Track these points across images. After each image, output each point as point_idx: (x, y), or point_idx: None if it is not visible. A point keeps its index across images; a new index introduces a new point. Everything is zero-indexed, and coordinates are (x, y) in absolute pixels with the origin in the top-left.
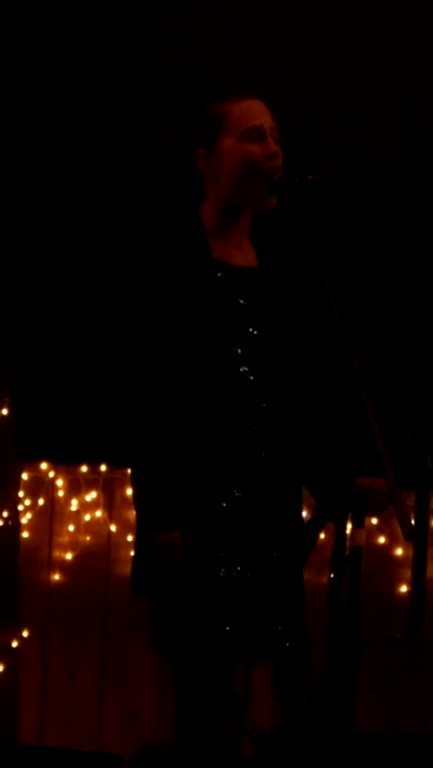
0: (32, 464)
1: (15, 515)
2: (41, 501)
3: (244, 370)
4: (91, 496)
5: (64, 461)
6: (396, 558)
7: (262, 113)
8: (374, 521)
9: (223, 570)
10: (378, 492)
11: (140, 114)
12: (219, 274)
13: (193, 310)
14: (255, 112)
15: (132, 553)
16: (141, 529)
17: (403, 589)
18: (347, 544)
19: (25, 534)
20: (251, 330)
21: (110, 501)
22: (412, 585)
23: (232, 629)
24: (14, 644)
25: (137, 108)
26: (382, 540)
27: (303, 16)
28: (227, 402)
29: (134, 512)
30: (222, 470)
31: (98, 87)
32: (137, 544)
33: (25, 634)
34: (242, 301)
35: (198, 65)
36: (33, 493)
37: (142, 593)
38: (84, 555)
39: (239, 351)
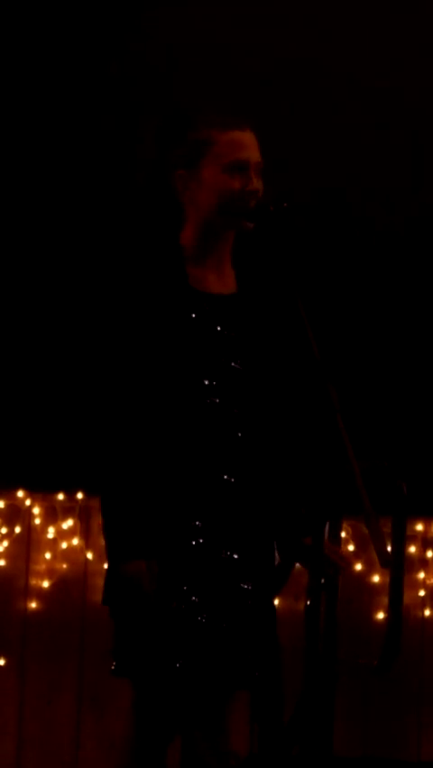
0: (8, 492)
1: None
2: (17, 529)
3: (217, 400)
4: (68, 524)
5: (40, 489)
6: (373, 585)
7: (250, 147)
8: (351, 548)
9: (185, 602)
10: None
11: (123, 122)
12: (195, 302)
13: (167, 339)
14: (243, 145)
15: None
16: (108, 558)
17: (381, 615)
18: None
19: (2, 563)
20: (225, 359)
21: (87, 529)
22: (389, 613)
23: (189, 662)
24: None
25: (120, 113)
26: (358, 567)
27: (300, 29)
28: (199, 433)
29: None
30: (191, 502)
31: (78, 92)
32: (108, 567)
33: (2, 662)
34: (217, 329)
35: (183, 72)
36: (10, 521)
37: (111, 614)
38: (61, 583)
39: (213, 381)
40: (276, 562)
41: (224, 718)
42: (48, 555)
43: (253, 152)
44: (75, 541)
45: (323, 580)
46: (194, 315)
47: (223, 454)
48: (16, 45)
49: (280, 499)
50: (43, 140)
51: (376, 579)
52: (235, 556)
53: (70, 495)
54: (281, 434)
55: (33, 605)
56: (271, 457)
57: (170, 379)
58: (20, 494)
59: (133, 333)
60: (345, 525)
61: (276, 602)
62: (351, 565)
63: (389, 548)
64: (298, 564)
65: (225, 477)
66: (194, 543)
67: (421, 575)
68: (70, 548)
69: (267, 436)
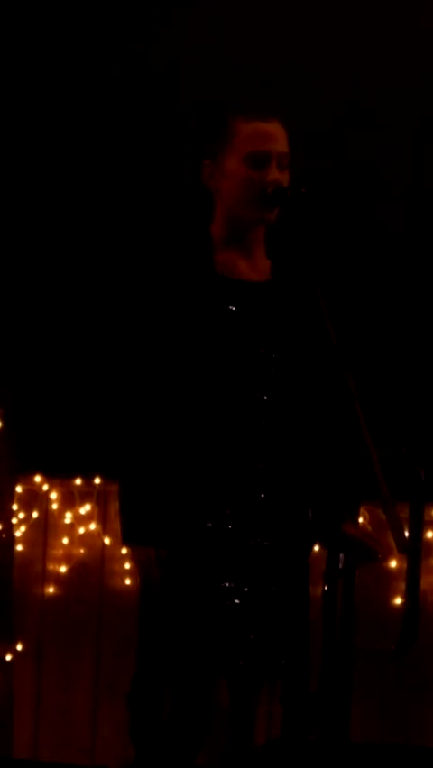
0: (25, 477)
1: (9, 528)
2: (35, 514)
3: (244, 386)
4: (85, 509)
5: (58, 474)
6: (390, 571)
7: (272, 137)
8: None
9: (216, 589)
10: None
11: (158, 119)
12: (222, 289)
13: (190, 325)
14: (265, 136)
15: (126, 566)
16: (122, 539)
17: (398, 601)
18: (341, 557)
19: (19, 548)
20: (254, 345)
21: (104, 514)
22: (406, 599)
23: (216, 649)
24: (8, 658)
25: (155, 107)
26: None
27: (306, 29)
28: (226, 419)
29: None
30: (220, 489)
31: (111, 88)
32: None
33: (19, 647)
34: (246, 315)
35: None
36: (27, 506)
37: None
38: (78, 568)
39: (241, 367)
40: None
41: (251, 706)
42: (65, 540)
43: (274, 143)
44: (92, 526)
45: (341, 566)
46: (220, 302)
47: (252, 441)
48: (32, 46)
49: (313, 486)
50: (77, 130)
51: (393, 564)
52: (266, 543)
53: (88, 480)
54: (311, 420)
55: (51, 590)
56: (300, 443)
57: (193, 366)
58: (37, 479)
59: (157, 318)
60: (362, 510)
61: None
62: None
63: (406, 534)
64: (315, 548)
65: (255, 464)
66: (225, 529)
67: None
68: (88, 533)
69: (296, 423)
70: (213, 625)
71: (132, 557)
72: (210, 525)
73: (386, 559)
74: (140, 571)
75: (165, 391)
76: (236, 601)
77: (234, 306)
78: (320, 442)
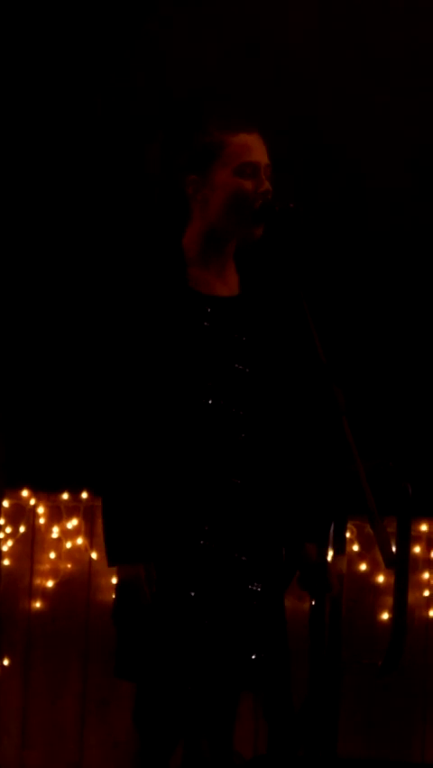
0: (12, 491)
1: None
2: (22, 528)
3: (220, 402)
4: (72, 523)
5: (45, 489)
6: (378, 585)
7: (259, 149)
8: (356, 548)
9: (193, 606)
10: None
11: (129, 127)
12: (196, 304)
13: (168, 341)
14: (252, 147)
15: (113, 580)
16: (108, 561)
17: (385, 616)
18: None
19: (6, 562)
20: (228, 361)
21: (91, 529)
22: (393, 613)
23: (193, 665)
24: None
25: (126, 121)
26: (363, 567)
27: (301, 36)
28: (202, 435)
29: None
30: (194, 505)
31: (84, 98)
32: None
33: (6, 662)
34: (220, 331)
35: (191, 78)
36: (14, 520)
37: (114, 620)
38: (65, 583)
39: (216, 383)
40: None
41: (229, 720)
42: (52, 555)
43: (261, 155)
44: (79, 540)
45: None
46: (195, 317)
47: (228, 457)
48: (31, 47)
49: (284, 502)
50: (47, 141)
51: (381, 579)
52: (244, 558)
53: (75, 494)
54: (287, 435)
55: (38, 605)
56: (276, 459)
57: (172, 381)
58: (24, 493)
59: (134, 335)
60: (349, 525)
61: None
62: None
63: (394, 548)
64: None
65: (232, 479)
66: (202, 545)
67: (426, 575)
68: (75, 548)
69: (272, 438)
70: (190, 639)
71: (118, 575)
72: (188, 540)
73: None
74: (127, 588)
75: (143, 408)
76: (213, 617)
77: (208, 321)
78: (296, 457)
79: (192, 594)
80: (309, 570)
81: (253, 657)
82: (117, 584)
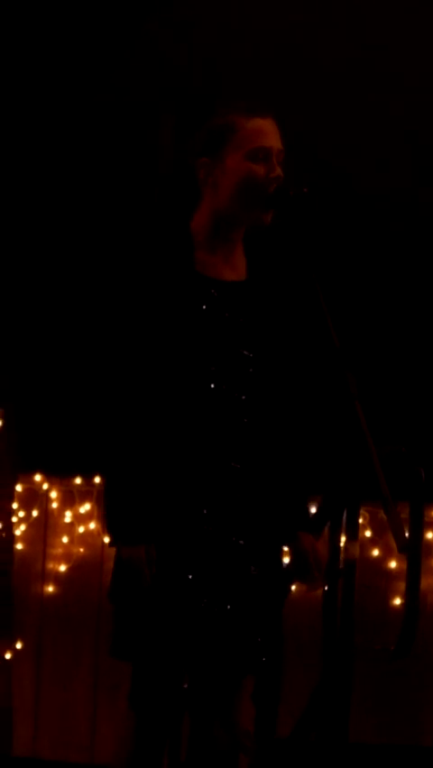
0: (26, 476)
1: (9, 526)
2: (35, 513)
3: (223, 387)
4: (85, 508)
5: (58, 473)
6: (390, 571)
7: (272, 134)
8: (368, 533)
9: (191, 588)
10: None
11: (138, 113)
12: (202, 288)
13: (173, 324)
14: (265, 132)
15: None
16: (109, 542)
17: (397, 601)
18: (341, 556)
19: (19, 546)
20: (233, 345)
21: (104, 513)
22: (406, 598)
23: (191, 647)
24: (8, 656)
25: (136, 106)
26: (376, 552)
27: (308, 32)
28: (204, 419)
29: None
30: (194, 489)
31: (93, 85)
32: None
33: (19, 645)
34: (225, 315)
35: (200, 62)
36: (27, 505)
37: (111, 600)
38: (78, 567)
39: (220, 367)
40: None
41: (234, 701)
42: (65, 539)
43: (274, 140)
44: (92, 525)
45: (340, 567)
46: (200, 301)
47: (229, 441)
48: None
49: (282, 488)
50: (59, 127)
51: (393, 564)
52: (242, 542)
53: (88, 479)
54: (290, 421)
55: (50, 588)
56: (276, 445)
57: (175, 365)
58: (37, 478)
59: (138, 318)
60: (362, 510)
61: (293, 588)
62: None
63: (406, 534)
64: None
65: (232, 463)
66: (201, 529)
67: None
68: (87, 532)
69: (274, 423)
70: (187, 621)
71: (118, 555)
72: (187, 523)
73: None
74: (127, 569)
75: (145, 391)
76: (210, 599)
77: (212, 305)
78: (294, 442)
79: (190, 577)
80: (298, 560)
81: (254, 641)
82: (115, 564)
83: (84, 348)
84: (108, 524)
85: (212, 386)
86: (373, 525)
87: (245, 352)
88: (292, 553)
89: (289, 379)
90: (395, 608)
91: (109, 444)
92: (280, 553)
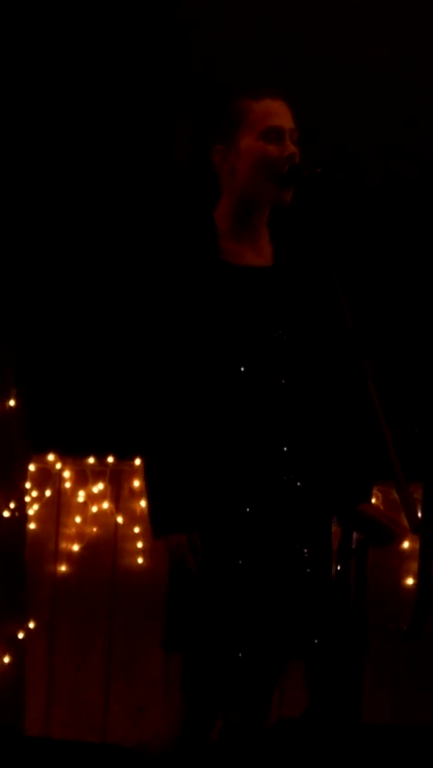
0: (39, 455)
1: (22, 506)
2: (48, 493)
3: (261, 371)
4: (98, 487)
5: (71, 453)
6: (403, 550)
7: (283, 114)
8: None
9: (240, 573)
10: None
11: (156, 106)
12: (230, 276)
13: (204, 315)
14: (276, 112)
15: (139, 545)
16: (152, 535)
17: (410, 581)
18: (354, 536)
19: (32, 526)
20: (267, 330)
21: (117, 493)
22: (418, 578)
23: (243, 634)
24: (21, 636)
25: (154, 100)
26: None
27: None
28: (245, 404)
29: (141, 504)
30: (239, 474)
31: (111, 77)
32: None
33: (32, 625)
34: (256, 301)
35: (218, 54)
36: (40, 484)
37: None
38: (91, 547)
39: (256, 352)
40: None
41: (273, 688)
42: (78, 519)
43: (285, 119)
44: (105, 505)
45: (354, 545)
46: (231, 289)
47: (272, 424)
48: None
49: (331, 467)
50: (82, 122)
51: (406, 544)
52: (291, 524)
53: (101, 459)
54: (328, 400)
55: (63, 568)
56: (319, 424)
57: (211, 353)
58: (50, 457)
59: (170, 310)
60: (375, 491)
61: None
62: (407, 532)
63: (419, 514)
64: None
65: (275, 446)
66: (248, 513)
67: None
68: (101, 512)
69: (314, 404)
70: (240, 608)
71: (164, 545)
72: (234, 509)
73: (403, 541)
74: (172, 558)
75: (186, 382)
76: (262, 584)
77: (244, 292)
78: (339, 421)
79: (240, 562)
80: (372, 527)
81: (305, 625)
82: (169, 559)
83: (101, 332)
84: (150, 515)
85: (243, 369)
86: (385, 504)
87: (283, 336)
88: (361, 526)
89: (323, 359)
90: (408, 588)
91: (149, 435)
92: (330, 535)
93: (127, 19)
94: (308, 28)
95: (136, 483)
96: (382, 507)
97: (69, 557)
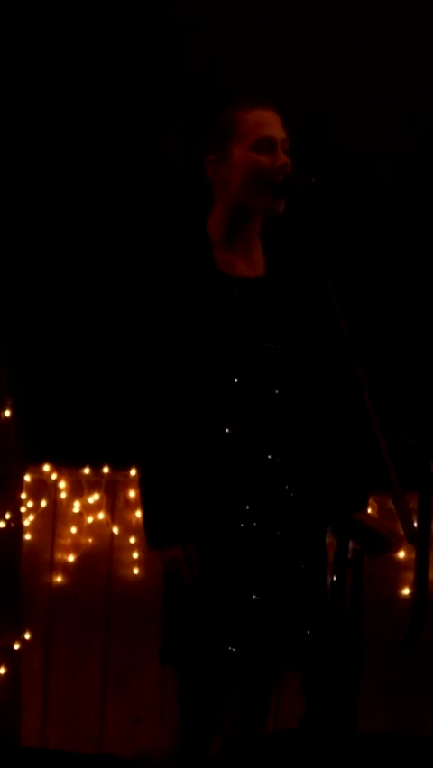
0: (34, 466)
1: (18, 516)
2: (43, 503)
3: (254, 381)
4: (94, 498)
5: (66, 463)
6: (399, 561)
7: (275, 124)
8: None
9: (236, 586)
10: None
11: (149, 116)
12: (223, 286)
13: (195, 322)
14: (267, 122)
15: (134, 555)
16: (147, 546)
17: (406, 591)
18: (349, 546)
19: (28, 536)
20: (260, 340)
21: (112, 503)
22: (414, 588)
23: (239, 645)
24: (16, 646)
25: (146, 109)
26: None
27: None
28: (239, 415)
29: (137, 514)
30: (233, 485)
31: (104, 86)
32: None
33: (27, 636)
34: (249, 311)
35: (209, 64)
36: (36, 495)
37: (162, 607)
38: (86, 557)
39: (249, 362)
40: (327, 541)
41: (269, 698)
42: (73, 529)
43: (277, 129)
44: (101, 515)
45: (350, 556)
46: (224, 299)
47: (264, 435)
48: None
49: (327, 476)
50: (73, 130)
51: (402, 554)
52: (286, 537)
53: (96, 469)
54: (321, 411)
55: (59, 579)
56: (312, 435)
57: (205, 364)
58: (46, 468)
59: (164, 321)
60: (371, 500)
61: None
62: (403, 541)
63: (415, 523)
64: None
65: (270, 457)
66: (243, 526)
67: None
68: (96, 522)
69: (307, 414)
70: (235, 620)
71: (160, 557)
72: (229, 521)
73: (399, 549)
74: (167, 570)
75: (180, 393)
76: (258, 596)
77: (237, 302)
78: (334, 431)
79: (235, 573)
80: (368, 535)
81: (300, 636)
82: (164, 571)
83: (95, 343)
84: (145, 527)
85: (237, 381)
86: (381, 514)
87: (271, 346)
88: (357, 535)
89: (316, 370)
90: (404, 598)
91: (143, 446)
92: (325, 546)
93: (127, 19)
94: (308, 28)
95: (132, 493)
96: (377, 517)
97: (65, 568)
